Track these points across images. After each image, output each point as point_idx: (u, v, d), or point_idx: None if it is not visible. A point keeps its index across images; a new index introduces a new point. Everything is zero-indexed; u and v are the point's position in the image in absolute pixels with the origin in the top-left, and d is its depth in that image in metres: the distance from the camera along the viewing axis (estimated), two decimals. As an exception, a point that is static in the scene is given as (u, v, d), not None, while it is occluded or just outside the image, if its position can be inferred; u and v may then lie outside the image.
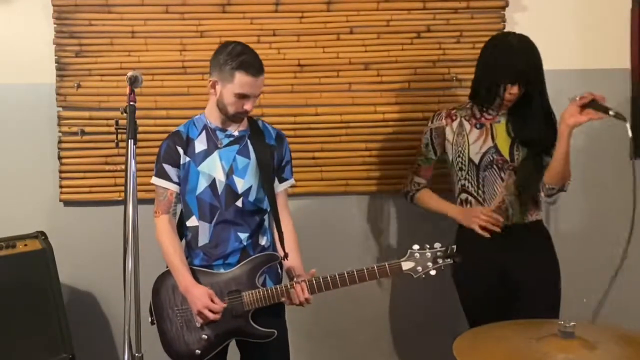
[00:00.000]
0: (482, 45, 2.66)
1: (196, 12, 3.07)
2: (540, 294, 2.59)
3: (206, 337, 2.41)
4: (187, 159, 2.46)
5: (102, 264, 2.98)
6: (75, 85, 3.04)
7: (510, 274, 2.62)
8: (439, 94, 3.16)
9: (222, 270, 2.46)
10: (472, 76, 2.68)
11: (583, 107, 2.35)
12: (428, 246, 2.44)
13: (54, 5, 3.02)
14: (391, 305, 3.28)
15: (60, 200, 3.08)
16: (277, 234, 2.52)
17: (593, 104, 2.34)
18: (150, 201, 2.53)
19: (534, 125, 2.57)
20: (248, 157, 2.48)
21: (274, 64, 3.04)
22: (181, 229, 2.54)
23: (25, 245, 2.77)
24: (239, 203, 2.45)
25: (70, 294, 3.06)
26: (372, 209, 3.23)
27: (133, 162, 1.95)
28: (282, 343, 2.51)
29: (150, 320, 2.46)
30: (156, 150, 2.52)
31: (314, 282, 2.40)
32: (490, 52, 2.59)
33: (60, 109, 3.06)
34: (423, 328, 3.25)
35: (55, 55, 3.04)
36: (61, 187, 3.07)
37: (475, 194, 2.66)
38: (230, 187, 2.45)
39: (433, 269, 2.42)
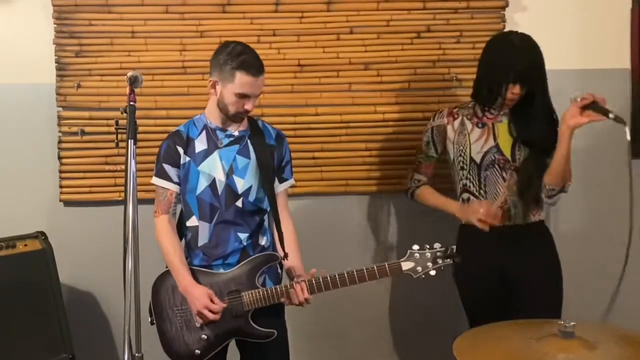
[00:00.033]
0: (482, 45, 2.65)
1: (196, 12, 3.07)
2: (541, 294, 2.59)
3: (206, 337, 2.41)
4: (187, 158, 2.46)
5: (102, 264, 2.98)
6: (75, 85, 3.04)
7: (511, 274, 2.62)
8: (439, 94, 3.16)
9: (221, 271, 2.46)
10: (472, 76, 2.68)
11: (583, 108, 2.36)
12: (428, 246, 2.44)
13: (54, 5, 3.02)
14: (391, 305, 3.28)
15: (60, 201, 3.08)
16: (277, 234, 2.52)
17: (593, 106, 2.34)
18: (150, 201, 2.53)
19: (537, 125, 2.56)
20: (248, 157, 2.48)
21: (274, 64, 3.04)
22: (181, 229, 2.54)
23: (25, 245, 2.77)
24: (239, 203, 2.45)
25: (70, 294, 3.05)
26: (372, 209, 3.23)
27: (133, 162, 1.95)
28: (281, 343, 2.51)
29: (149, 320, 2.46)
30: (156, 150, 2.52)
31: (314, 282, 2.40)
32: (492, 52, 2.58)
33: (60, 109, 3.06)
34: (423, 328, 3.25)
35: (55, 55, 3.03)
36: (61, 187, 3.07)
37: (477, 194, 2.65)
38: (230, 187, 2.45)
39: (433, 269, 2.42)
